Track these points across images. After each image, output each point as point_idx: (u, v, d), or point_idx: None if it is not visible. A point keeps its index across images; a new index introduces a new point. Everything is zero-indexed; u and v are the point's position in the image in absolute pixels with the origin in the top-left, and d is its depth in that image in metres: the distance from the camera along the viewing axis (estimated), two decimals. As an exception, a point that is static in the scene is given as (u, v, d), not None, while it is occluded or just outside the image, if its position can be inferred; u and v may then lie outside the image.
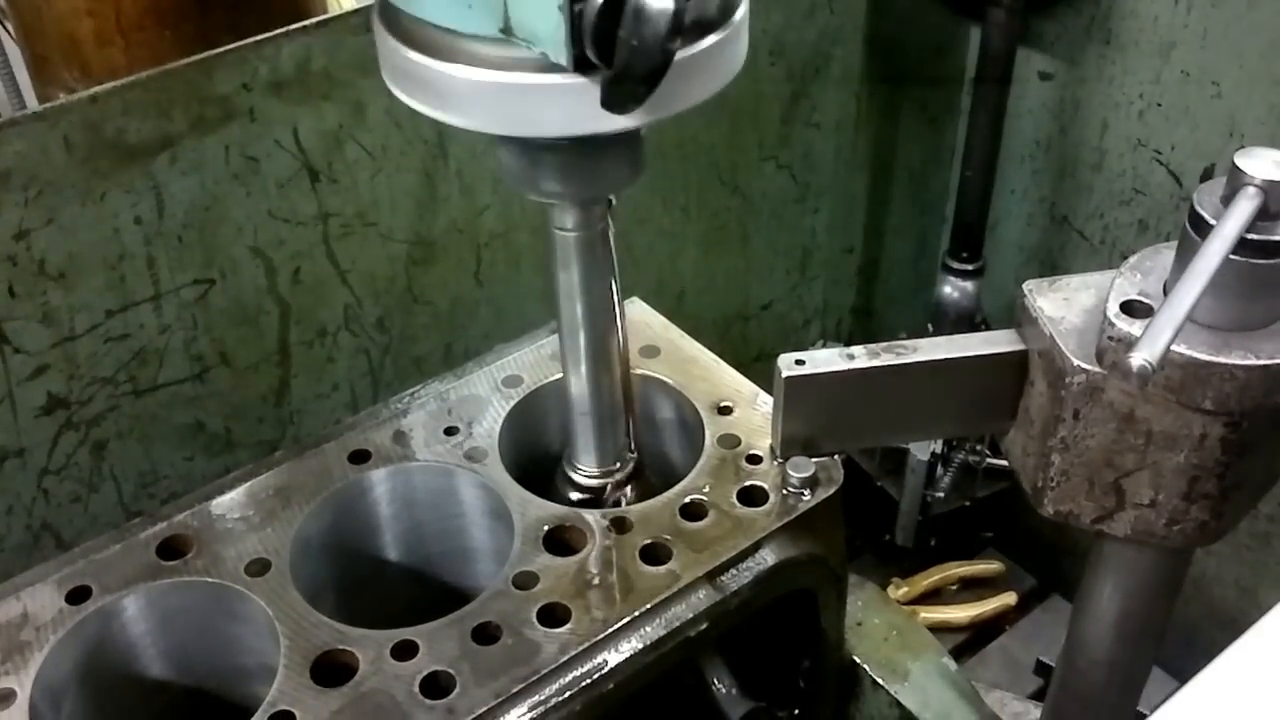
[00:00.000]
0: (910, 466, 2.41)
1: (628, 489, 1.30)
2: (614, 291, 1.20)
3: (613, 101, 0.91)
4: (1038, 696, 2.30)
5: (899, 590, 2.59)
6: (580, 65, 0.89)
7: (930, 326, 2.39)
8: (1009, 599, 2.60)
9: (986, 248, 2.33)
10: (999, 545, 2.72)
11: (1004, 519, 2.63)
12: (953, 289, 2.34)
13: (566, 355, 1.24)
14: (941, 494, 2.47)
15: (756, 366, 1.31)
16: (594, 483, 1.30)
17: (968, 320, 2.35)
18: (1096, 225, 2.27)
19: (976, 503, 2.50)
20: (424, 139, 1.69)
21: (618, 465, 1.30)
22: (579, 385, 1.25)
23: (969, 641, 2.58)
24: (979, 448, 2.45)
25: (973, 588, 2.64)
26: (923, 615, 2.54)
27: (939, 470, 2.46)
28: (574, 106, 0.94)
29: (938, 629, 2.52)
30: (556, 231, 1.14)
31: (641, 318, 1.47)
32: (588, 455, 1.29)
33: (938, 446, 2.42)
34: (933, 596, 2.62)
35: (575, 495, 1.30)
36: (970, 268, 2.32)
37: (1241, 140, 1.93)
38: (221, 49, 1.47)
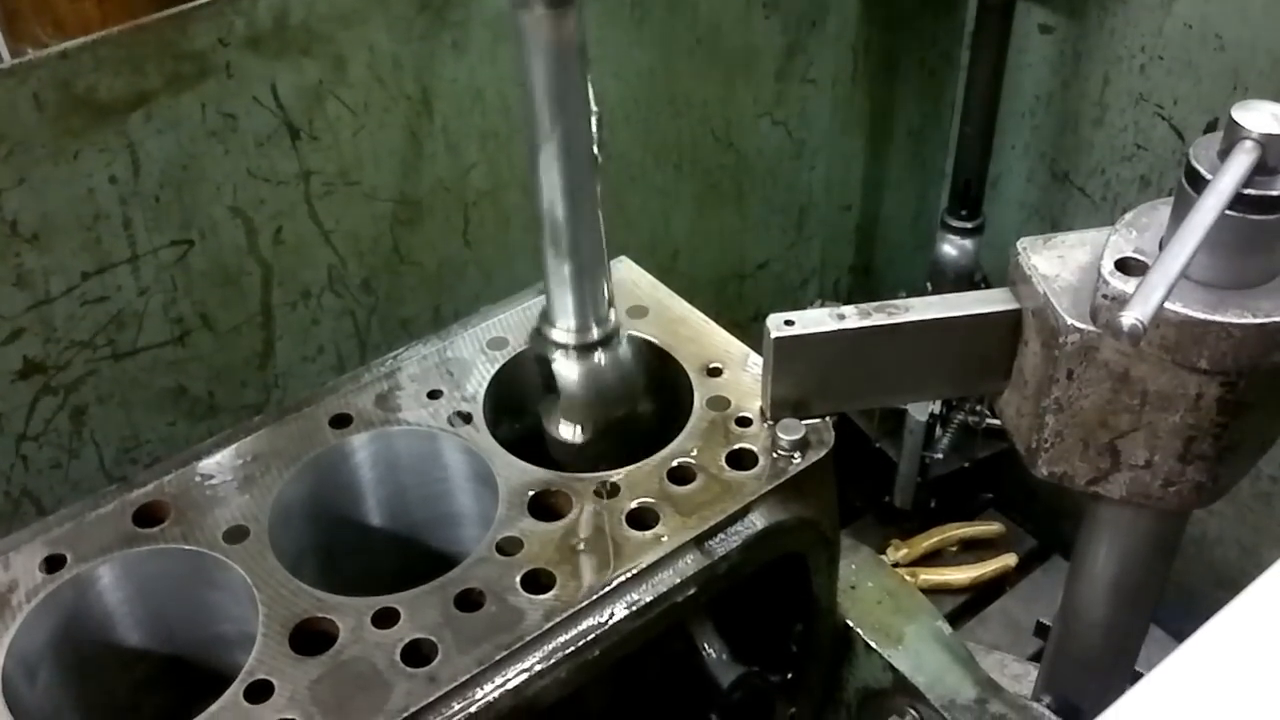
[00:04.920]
0: (909, 428, 2.39)
1: (602, 353, 1.27)
2: (590, 104, 1.14)
3: None
4: (1038, 658, 2.29)
5: (898, 552, 2.57)
6: None
7: (929, 285, 2.37)
8: (1009, 560, 2.59)
9: (986, 205, 2.30)
10: (999, 506, 2.70)
11: (1004, 480, 2.61)
12: (952, 247, 2.31)
13: (540, 188, 1.17)
14: (940, 455, 2.45)
15: (754, 327, 1.28)
16: (571, 340, 1.26)
17: (967, 279, 2.33)
18: (1098, 182, 2.24)
19: (976, 464, 2.49)
20: (407, 95, 1.66)
21: (598, 325, 1.27)
22: (554, 225, 1.19)
23: (969, 603, 2.56)
24: (978, 408, 2.43)
25: (973, 549, 2.63)
26: (922, 577, 2.52)
27: (938, 431, 2.44)
28: None
29: (938, 591, 2.51)
30: (525, 40, 1.08)
31: (629, 276, 1.44)
32: (564, 309, 1.25)
33: (936, 407, 2.40)
34: (933, 558, 2.61)
35: (555, 357, 1.27)
36: (969, 225, 2.29)
37: (1245, 93, 1.90)
38: (196, 2, 1.43)
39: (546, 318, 1.28)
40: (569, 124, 1.14)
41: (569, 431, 1.30)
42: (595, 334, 1.28)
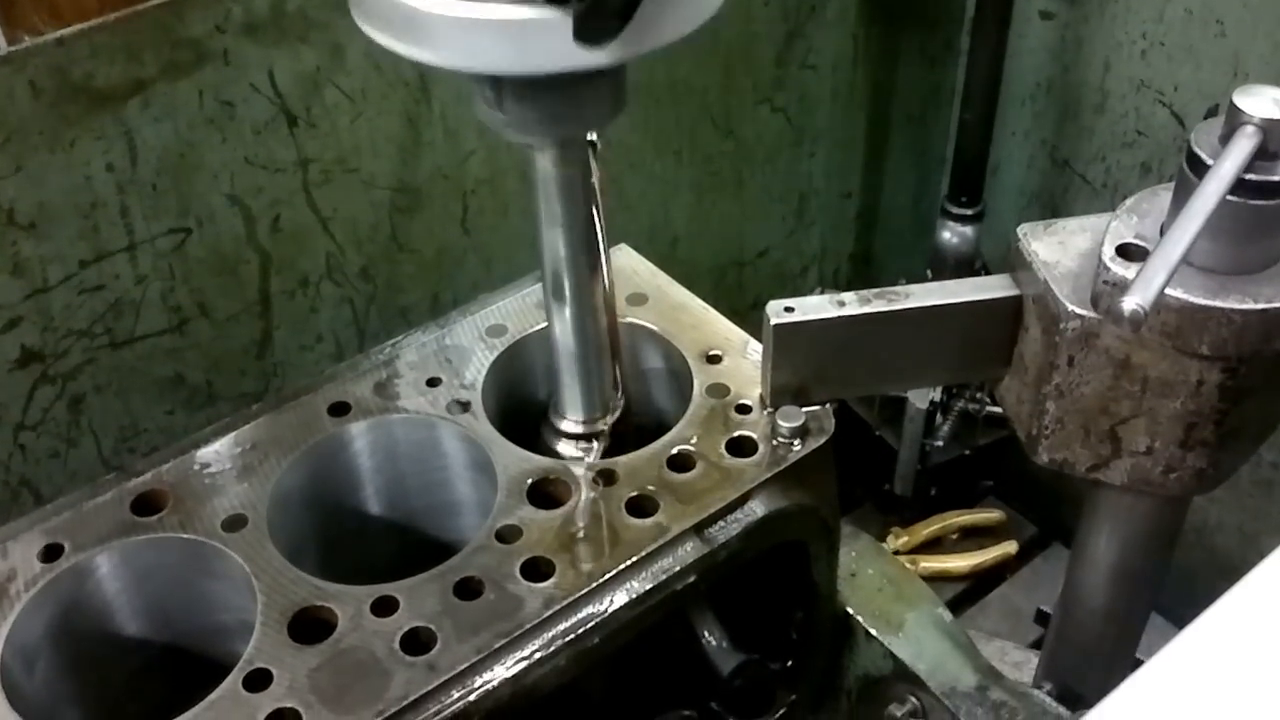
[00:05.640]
0: (909, 415, 2.39)
1: (612, 440, 1.28)
2: (598, 232, 1.17)
3: (585, 35, 0.87)
4: (1038, 645, 2.29)
5: (899, 540, 2.57)
6: None
7: (929, 272, 2.36)
8: (1010, 548, 2.59)
9: (987, 192, 2.29)
10: (999, 494, 2.70)
11: (1004, 467, 2.61)
12: (952, 234, 2.31)
13: (550, 301, 1.21)
14: (941, 443, 2.45)
15: (753, 315, 1.28)
16: (580, 430, 1.27)
17: (967, 266, 2.32)
18: (1098, 168, 2.23)
19: (976, 451, 2.49)
20: (405, 82, 1.65)
21: (604, 414, 1.28)
22: (563, 331, 1.22)
23: (969, 591, 2.56)
24: (978, 395, 2.43)
25: (973, 537, 2.63)
26: (923, 565, 2.52)
27: (938, 419, 2.44)
28: (546, 41, 0.90)
29: (938, 578, 2.51)
30: (536, 170, 1.11)
31: (629, 264, 1.44)
32: (574, 404, 1.27)
33: (936, 394, 2.40)
34: (933, 546, 2.61)
35: (560, 446, 1.28)
36: (970, 212, 2.28)
37: (1246, 79, 1.89)
38: (192, -11, 1.43)
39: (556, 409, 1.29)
40: (582, 280, 1.18)
41: None
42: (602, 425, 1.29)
